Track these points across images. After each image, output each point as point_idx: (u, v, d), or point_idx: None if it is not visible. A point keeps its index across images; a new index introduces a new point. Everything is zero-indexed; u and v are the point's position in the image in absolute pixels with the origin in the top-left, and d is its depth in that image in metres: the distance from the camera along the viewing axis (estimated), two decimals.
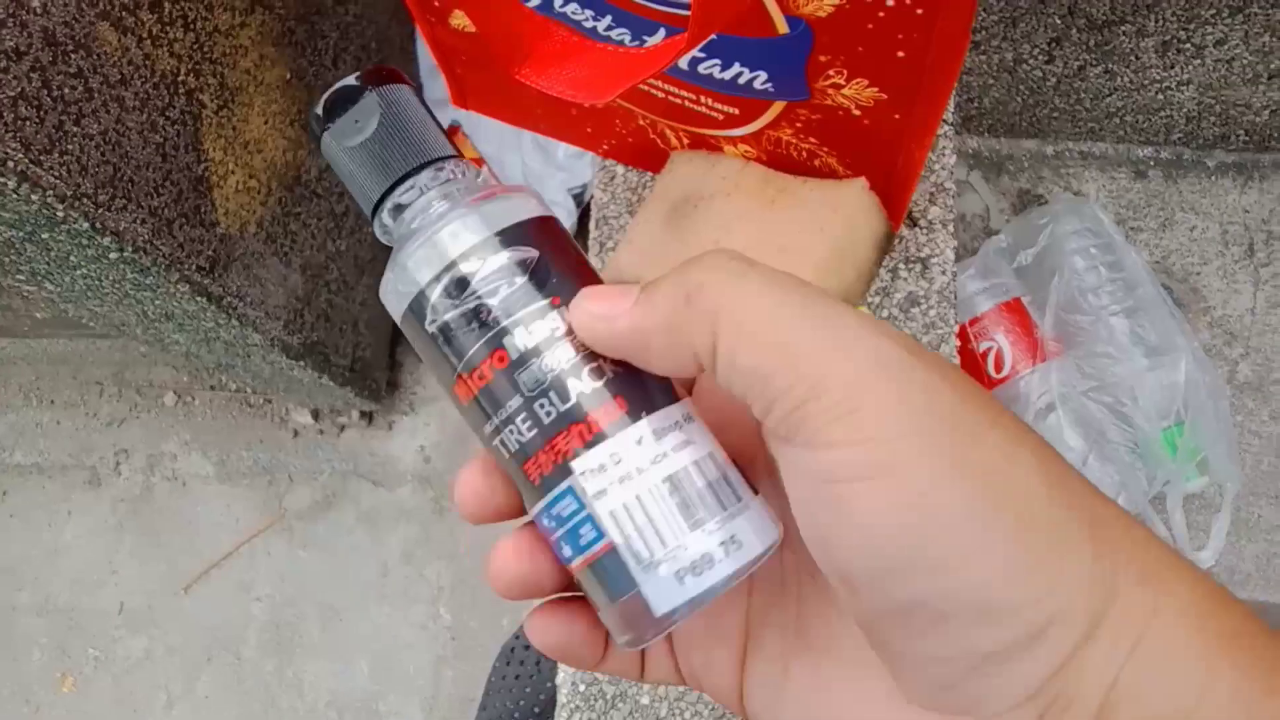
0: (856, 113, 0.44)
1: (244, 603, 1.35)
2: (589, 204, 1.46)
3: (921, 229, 0.60)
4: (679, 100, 0.49)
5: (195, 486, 1.41)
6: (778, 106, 0.46)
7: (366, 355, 1.22)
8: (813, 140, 0.49)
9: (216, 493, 1.40)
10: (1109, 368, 0.82)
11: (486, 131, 1.42)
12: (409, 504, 1.36)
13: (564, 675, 0.52)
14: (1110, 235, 0.86)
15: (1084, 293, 0.84)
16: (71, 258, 0.71)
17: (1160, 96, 0.85)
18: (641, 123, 0.52)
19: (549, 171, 1.39)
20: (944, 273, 0.60)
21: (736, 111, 0.47)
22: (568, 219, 1.38)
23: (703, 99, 0.47)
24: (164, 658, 1.36)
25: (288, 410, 1.41)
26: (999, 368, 0.87)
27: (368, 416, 1.39)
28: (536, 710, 1.22)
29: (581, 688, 0.51)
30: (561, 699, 0.51)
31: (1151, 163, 0.94)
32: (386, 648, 1.31)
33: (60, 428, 1.46)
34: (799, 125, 0.47)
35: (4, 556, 1.44)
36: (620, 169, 0.60)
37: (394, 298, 0.23)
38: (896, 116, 0.43)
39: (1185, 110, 0.86)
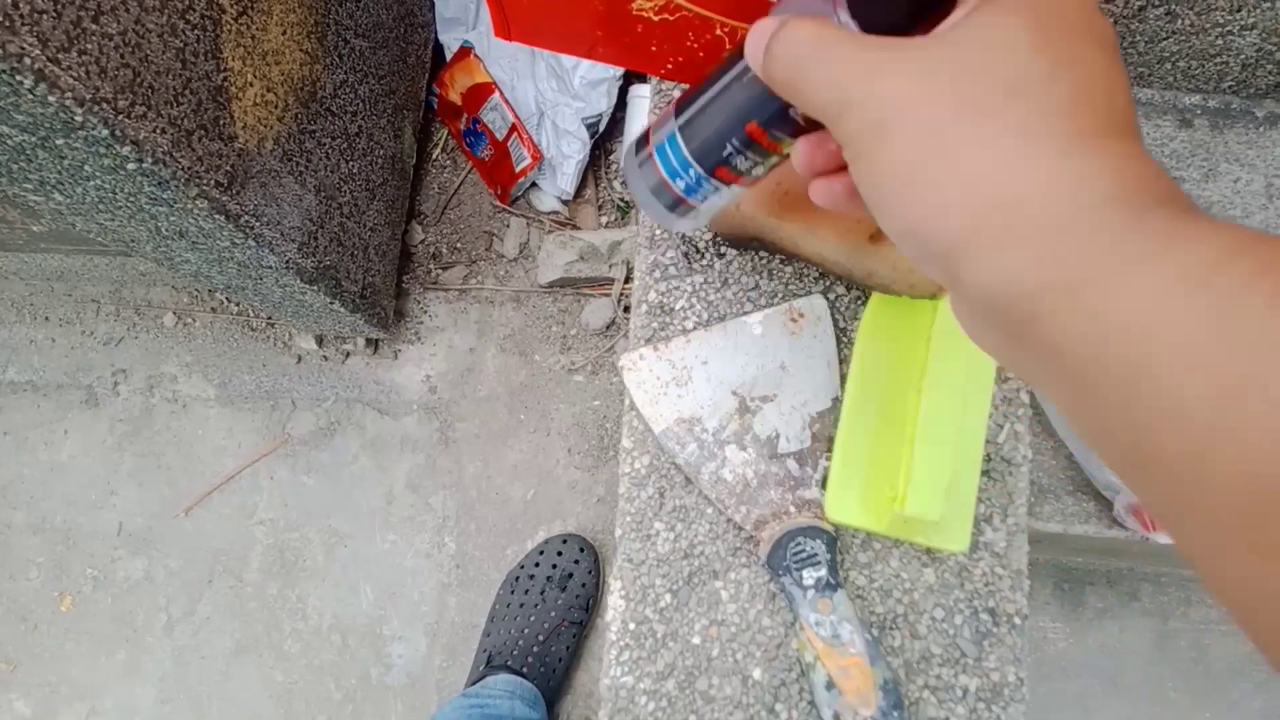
0: None
1: (246, 526, 1.34)
2: (603, 132, 1.41)
3: None
4: None
5: (196, 409, 1.38)
6: None
7: (376, 281, 1.19)
8: None
9: (218, 416, 1.38)
10: None
11: (499, 56, 1.37)
12: (414, 433, 1.34)
13: (613, 614, 0.51)
14: None
15: None
16: (86, 167, 0.67)
17: (1220, 41, 0.82)
18: (719, 32, 0.49)
19: (563, 100, 1.34)
20: None
21: None
22: (582, 149, 1.34)
23: None
24: (164, 579, 1.35)
25: (291, 335, 1.38)
26: None
27: (373, 344, 1.36)
28: (540, 638, 1.23)
29: (632, 626, 0.50)
30: (611, 636, 0.50)
31: (1198, 111, 0.91)
32: (391, 574, 1.30)
33: (56, 345, 1.43)
34: None
35: None
36: (677, 92, 0.57)
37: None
38: None
39: (1243, 57, 0.83)
